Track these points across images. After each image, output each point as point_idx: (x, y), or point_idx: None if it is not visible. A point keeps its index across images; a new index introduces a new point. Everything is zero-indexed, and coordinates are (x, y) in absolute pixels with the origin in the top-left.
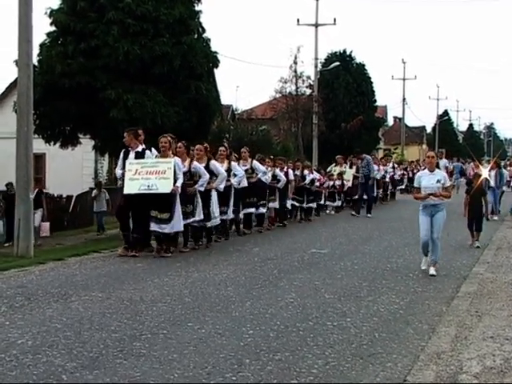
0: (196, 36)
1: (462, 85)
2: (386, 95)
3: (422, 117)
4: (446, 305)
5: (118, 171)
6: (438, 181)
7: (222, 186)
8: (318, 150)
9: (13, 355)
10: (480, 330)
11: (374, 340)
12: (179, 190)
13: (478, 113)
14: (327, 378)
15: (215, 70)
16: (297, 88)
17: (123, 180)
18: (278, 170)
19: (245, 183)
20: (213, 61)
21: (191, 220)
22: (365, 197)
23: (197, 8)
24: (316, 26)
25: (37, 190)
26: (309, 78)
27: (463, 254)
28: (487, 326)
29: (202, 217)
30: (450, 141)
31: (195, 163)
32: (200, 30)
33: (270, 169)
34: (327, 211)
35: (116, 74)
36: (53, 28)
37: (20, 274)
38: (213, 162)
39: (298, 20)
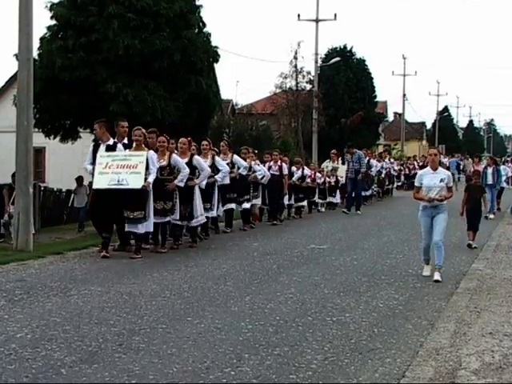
0: (196, 30)
1: (462, 81)
2: (386, 91)
3: (422, 113)
4: (445, 301)
5: (88, 166)
6: (442, 180)
7: (203, 183)
8: (317, 146)
9: (12, 349)
10: (479, 326)
11: (373, 335)
12: (151, 186)
13: (478, 109)
14: (326, 373)
15: (215, 65)
16: (297, 83)
17: (93, 175)
18: (257, 165)
19: (227, 180)
20: (213, 55)
21: (169, 218)
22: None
23: (197, 2)
24: (316, 21)
25: None
26: (309, 73)
27: (462, 250)
28: (486, 322)
29: (177, 216)
30: (450, 137)
31: (174, 156)
32: (200, 24)
33: (253, 162)
34: (319, 208)
35: (116, 68)
36: (53, 22)
37: (19, 267)
38: (196, 157)
39: (298, 15)
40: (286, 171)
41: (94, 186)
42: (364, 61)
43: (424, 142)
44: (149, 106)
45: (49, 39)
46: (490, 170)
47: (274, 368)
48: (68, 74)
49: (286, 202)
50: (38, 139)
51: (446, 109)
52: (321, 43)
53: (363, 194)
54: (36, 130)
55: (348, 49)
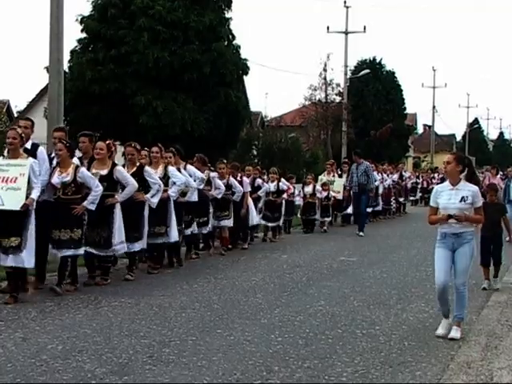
0: (226, 43)
1: (492, 93)
2: (415, 103)
3: (452, 124)
4: (475, 314)
5: None
6: (464, 199)
7: (154, 201)
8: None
9: (43, 360)
10: (510, 340)
11: (404, 348)
12: (34, 204)
13: (508, 121)
14: None
15: (245, 77)
16: (326, 95)
17: None
18: (232, 179)
19: (193, 197)
20: (242, 68)
21: (80, 250)
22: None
23: (227, 15)
24: (346, 33)
25: None
26: (338, 85)
27: None
28: None
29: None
30: (480, 149)
31: (83, 171)
32: (230, 36)
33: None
34: (325, 228)
35: (146, 81)
36: (84, 35)
37: (50, 279)
38: (118, 168)
39: (327, 27)
40: (247, 188)
41: None
42: (393, 73)
43: None
44: (178, 118)
45: (79, 52)
46: None
47: (304, 381)
48: (98, 86)
49: (253, 221)
50: None
51: (476, 121)
52: (350, 55)
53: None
54: None
55: (377, 61)
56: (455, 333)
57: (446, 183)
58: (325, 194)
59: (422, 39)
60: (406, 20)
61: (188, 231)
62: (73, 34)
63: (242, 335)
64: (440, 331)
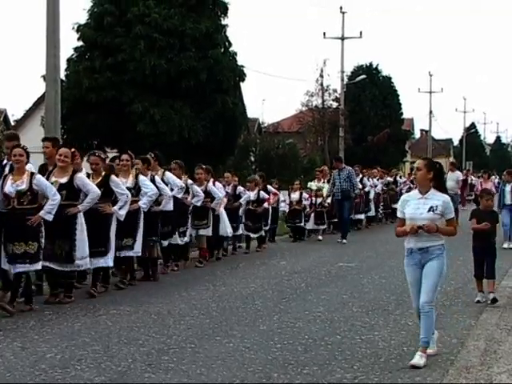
0: (222, 50)
1: (489, 97)
2: (412, 108)
3: (449, 129)
4: (474, 318)
5: None
6: (432, 209)
7: (122, 213)
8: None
9: (41, 369)
10: (509, 344)
11: (403, 354)
12: None
13: (505, 125)
14: None
15: (241, 84)
16: (323, 101)
17: None
18: (211, 185)
19: (168, 206)
20: (239, 74)
21: (37, 265)
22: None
23: (223, 22)
24: (342, 39)
25: None
26: (335, 91)
27: None
28: None
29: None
30: (477, 153)
31: (38, 177)
32: (226, 43)
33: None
34: (319, 237)
35: (143, 89)
36: (80, 43)
37: (48, 288)
38: (79, 175)
39: (324, 33)
40: (222, 193)
41: None
42: (390, 78)
43: (451, 159)
44: (175, 125)
45: (76, 60)
46: (508, 188)
47: None
48: (95, 94)
49: (228, 232)
50: None
51: (473, 125)
52: (346, 61)
53: (357, 217)
54: None
55: (374, 66)
56: (419, 359)
57: (415, 191)
58: (319, 200)
59: (418, 44)
60: (402, 25)
61: (165, 242)
62: (69, 43)
63: (240, 342)
64: (418, 360)
